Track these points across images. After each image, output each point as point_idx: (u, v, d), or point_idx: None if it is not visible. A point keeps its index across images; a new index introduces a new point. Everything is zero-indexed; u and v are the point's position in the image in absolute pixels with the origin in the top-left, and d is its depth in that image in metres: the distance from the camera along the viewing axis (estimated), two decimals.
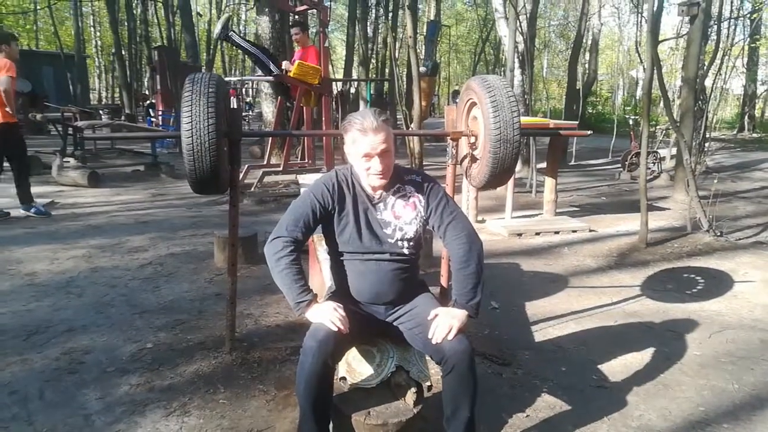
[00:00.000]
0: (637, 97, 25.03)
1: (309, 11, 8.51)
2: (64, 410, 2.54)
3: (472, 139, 2.90)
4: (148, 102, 16.74)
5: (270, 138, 8.50)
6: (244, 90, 25.14)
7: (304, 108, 7.63)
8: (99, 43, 31.84)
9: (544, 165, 6.98)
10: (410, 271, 2.28)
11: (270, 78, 7.01)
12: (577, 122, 7.66)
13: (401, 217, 2.22)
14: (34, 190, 7.60)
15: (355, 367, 2.18)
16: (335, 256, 2.29)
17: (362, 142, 2.08)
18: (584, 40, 14.44)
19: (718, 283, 4.55)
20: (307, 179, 3.66)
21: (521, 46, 9.55)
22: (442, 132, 3.12)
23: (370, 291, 2.22)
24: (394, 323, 2.24)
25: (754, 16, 13.33)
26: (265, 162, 8.14)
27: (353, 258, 2.23)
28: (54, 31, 23.49)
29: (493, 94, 2.62)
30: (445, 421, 2.09)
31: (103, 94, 33.47)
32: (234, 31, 6.81)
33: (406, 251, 2.23)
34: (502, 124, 2.58)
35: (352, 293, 2.25)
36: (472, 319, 2.12)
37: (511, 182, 6.40)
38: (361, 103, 12.01)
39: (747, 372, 3.07)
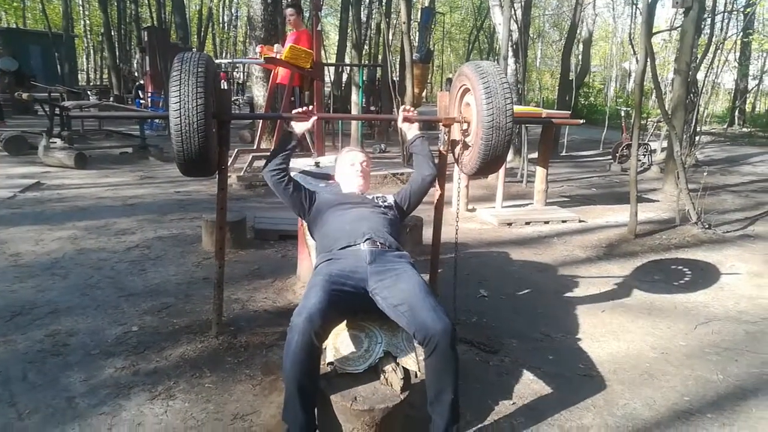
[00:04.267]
0: (629, 89, 25.06)
1: None
2: (47, 392, 2.52)
3: (465, 126, 2.88)
4: (137, 83, 16.53)
5: (260, 122, 8.42)
6: (234, 73, 24.90)
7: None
8: (88, 22, 31.34)
9: (535, 155, 6.98)
10: (390, 221, 2.61)
11: (261, 61, 6.92)
12: (569, 113, 7.64)
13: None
14: (21, 170, 7.54)
15: (342, 352, 2.17)
16: (320, 224, 2.64)
17: (347, 155, 2.94)
18: (578, 31, 14.40)
19: (705, 275, 4.59)
20: (298, 164, 3.63)
21: (515, 35, 9.50)
22: (435, 118, 3.09)
23: (351, 226, 2.49)
24: (378, 291, 2.23)
25: (748, 10, 13.34)
26: (255, 146, 8.07)
27: (335, 211, 2.61)
28: (42, 9, 23.12)
29: (486, 80, 2.59)
30: (429, 405, 2.09)
31: (92, 75, 33.02)
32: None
33: (383, 205, 2.70)
34: (494, 110, 2.56)
35: (334, 244, 2.43)
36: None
37: (502, 171, 6.39)
38: (353, 89, 11.92)
39: (731, 363, 3.10)
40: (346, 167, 2.88)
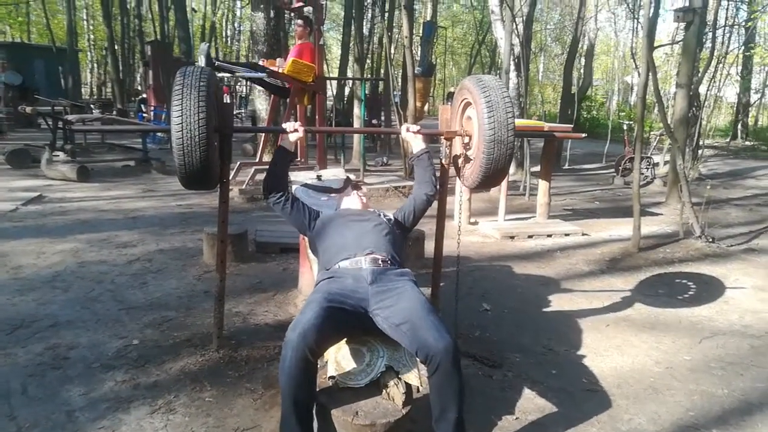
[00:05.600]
0: (632, 103, 25.13)
1: (305, 9, 8.46)
2: (47, 406, 2.51)
3: (466, 140, 2.87)
4: (140, 97, 16.61)
5: (263, 136, 8.45)
6: (237, 86, 25.02)
7: (298, 105, 7.59)
8: (92, 37, 31.57)
9: (538, 168, 6.98)
10: (392, 236, 2.60)
11: (262, 75, 6.96)
12: (571, 126, 7.65)
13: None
14: (23, 183, 7.55)
15: (344, 366, 2.16)
16: (323, 239, 2.64)
17: (348, 194, 3.02)
18: (580, 45, 14.45)
19: (709, 289, 4.56)
20: (300, 177, 3.63)
21: (517, 49, 9.54)
22: (436, 132, 3.09)
23: (353, 240, 2.50)
24: (379, 312, 2.20)
25: (749, 24, 13.39)
26: (257, 159, 8.10)
27: (337, 226, 2.62)
28: (46, 23, 23.27)
29: (488, 94, 2.59)
30: (434, 422, 2.07)
31: (95, 89, 33.17)
32: (217, 59, 6.91)
33: (385, 219, 2.70)
34: (496, 124, 2.55)
35: (335, 257, 2.44)
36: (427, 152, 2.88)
37: (504, 185, 6.39)
38: (356, 102, 11.97)
39: (737, 377, 3.07)
40: (344, 197, 3.05)
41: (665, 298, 4.32)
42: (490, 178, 2.75)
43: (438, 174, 2.97)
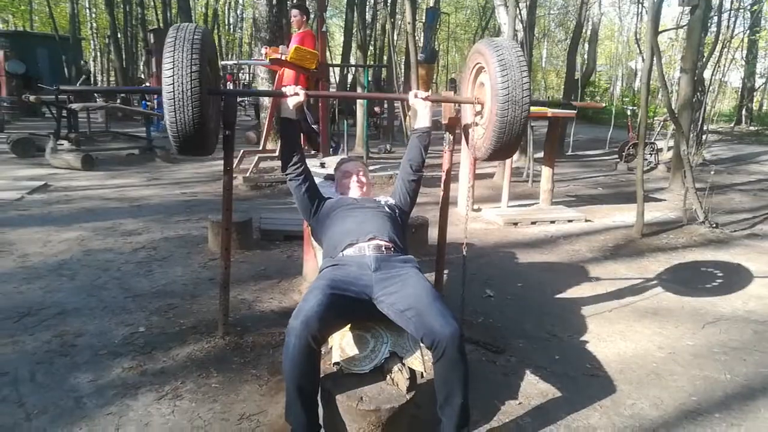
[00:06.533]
0: (636, 88, 24.97)
1: None
2: (55, 392, 2.53)
3: (478, 107, 2.78)
4: (143, 86, 16.58)
5: (266, 123, 8.45)
6: (240, 74, 24.94)
7: None
8: (94, 25, 31.42)
9: (541, 155, 6.97)
10: (394, 221, 2.60)
11: (266, 62, 6.94)
12: (575, 112, 7.62)
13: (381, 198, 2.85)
14: (28, 172, 7.58)
15: (348, 353, 2.17)
16: (326, 227, 2.64)
17: (342, 168, 3.00)
18: (584, 30, 14.33)
19: (713, 275, 4.57)
20: None
21: (520, 35, 9.47)
22: (446, 98, 3.02)
23: (355, 227, 2.50)
24: (384, 298, 2.21)
25: (755, 8, 13.26)
26: (260, 147, 8.10)
27: (339, 213, 2.62)
28: (49, 12, 23.17)
29: (501, 53, 2.49)
30: (439, 408, 2.09)
31: (99, 77, 33.06)
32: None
33: (387, 208, 2.68)
34: (510, 83, 2.43)
35: (339, 244, 2.44)
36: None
37: (507, 171, 6.39)
38: (359, 89, 11.93)
39: (739, 363, 3.08)
40: (343, 179, 2.96)
41: (668, 283, 4.32)
42: (503, 146, 2.60)
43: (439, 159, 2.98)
